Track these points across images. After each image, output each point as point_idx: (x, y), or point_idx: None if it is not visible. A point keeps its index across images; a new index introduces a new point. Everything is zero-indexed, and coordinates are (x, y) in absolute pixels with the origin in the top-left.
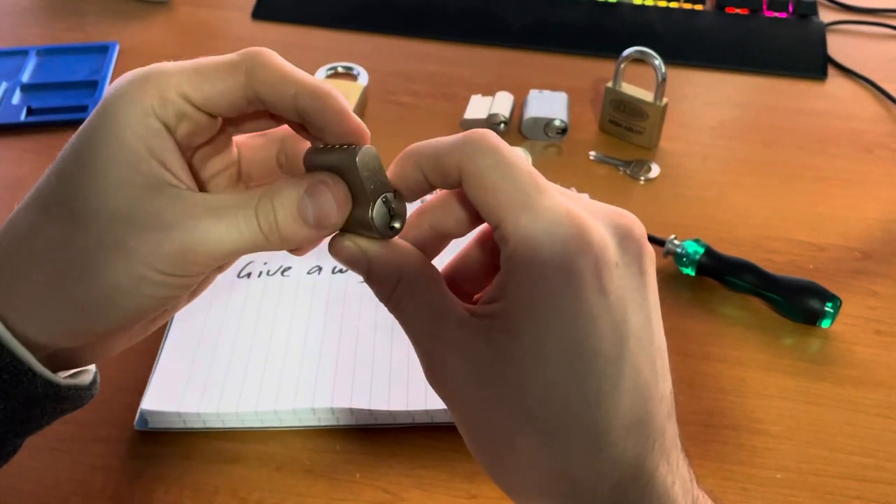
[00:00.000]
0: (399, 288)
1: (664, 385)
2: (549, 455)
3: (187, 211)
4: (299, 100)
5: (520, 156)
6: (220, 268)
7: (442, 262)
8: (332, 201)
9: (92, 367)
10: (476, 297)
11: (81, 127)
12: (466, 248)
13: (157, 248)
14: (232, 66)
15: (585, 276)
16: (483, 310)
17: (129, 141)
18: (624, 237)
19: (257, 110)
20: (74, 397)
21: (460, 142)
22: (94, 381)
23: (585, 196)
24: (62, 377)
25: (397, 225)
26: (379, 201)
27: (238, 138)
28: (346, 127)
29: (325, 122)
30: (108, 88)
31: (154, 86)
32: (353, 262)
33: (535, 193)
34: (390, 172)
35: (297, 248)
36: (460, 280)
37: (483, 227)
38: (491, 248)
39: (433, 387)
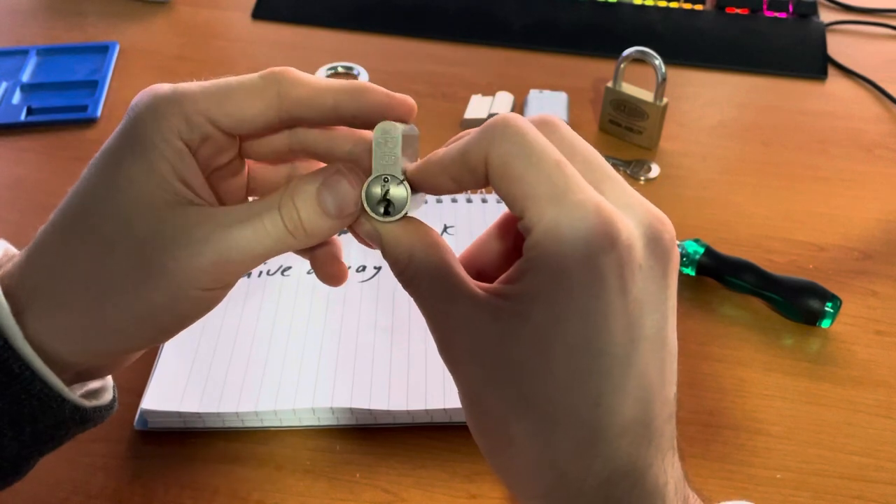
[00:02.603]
0: (411, 266)
1: (669, 389)
2: (540, 444)
3: (215, 224)
4: (341, 106)
5: (547, 142)
6: None
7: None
8: (350, 189)
9: (110, 384)
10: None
11: (106, 147)
12: (486, 234)
13: (191, 264)
14: (259, 89)
15: (607, 274)
16: (497, 289)
17: (156, 163)
18: (653, 238)
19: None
20: (97, 418)
21: (484, 131)
22: (114, 399)
23: (624, 183)
24: (79, 394)
25: (384, 210)
26: (372, 180)
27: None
28: (394, 110)
29: (372, 114)
30: (132, 109)
31: (180, 108)
32: (370, 238)
33: (562, 185)
34: (414, 174)
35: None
36: (478, 265)
37: (504, 214)
38: (510, 236)
39: (445, 363)
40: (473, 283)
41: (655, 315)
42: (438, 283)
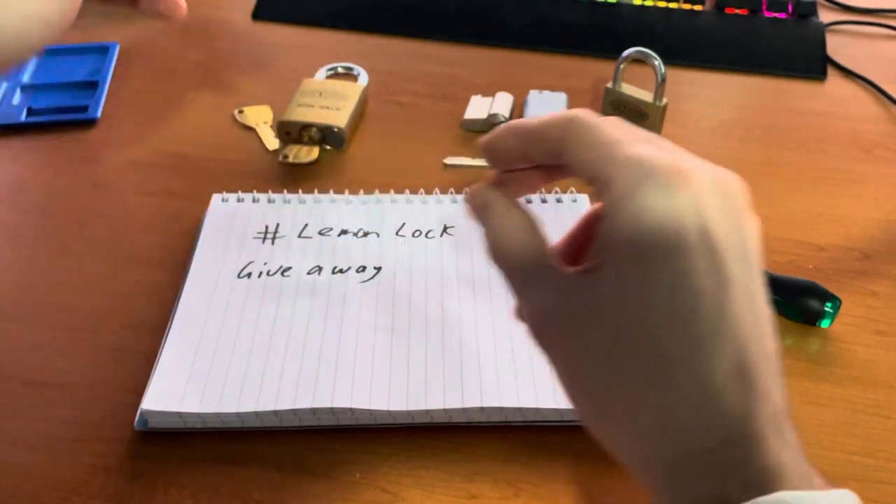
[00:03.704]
0: (509, 250)
1: (769, 344)
2: (652, 403)
3: None
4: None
5: (619, 121)
6: None
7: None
8: None
9: None
10: None
11: None
12: (574, 228)
13: None
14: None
15: (687, 222)
16: (587, 265)
17: None
18: (725, 194)
19: None
20: None
21: (566, 115)
22: None
23: (677, 148)
24: None
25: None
26: None
27: None
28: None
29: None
30: None
31: None
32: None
33: (638, 145)
34: (485, 139)
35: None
36: (568, 259)
37: (591, 207)
38: (593, 230)
39: (540, 345)
40: (560, 259)
41: (740, 263)
42: (526, 253)
